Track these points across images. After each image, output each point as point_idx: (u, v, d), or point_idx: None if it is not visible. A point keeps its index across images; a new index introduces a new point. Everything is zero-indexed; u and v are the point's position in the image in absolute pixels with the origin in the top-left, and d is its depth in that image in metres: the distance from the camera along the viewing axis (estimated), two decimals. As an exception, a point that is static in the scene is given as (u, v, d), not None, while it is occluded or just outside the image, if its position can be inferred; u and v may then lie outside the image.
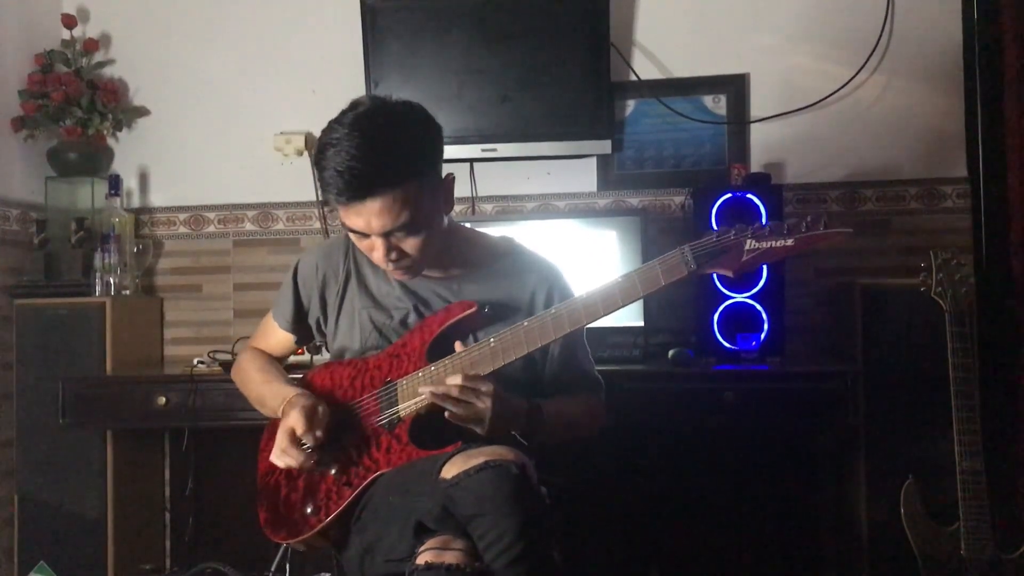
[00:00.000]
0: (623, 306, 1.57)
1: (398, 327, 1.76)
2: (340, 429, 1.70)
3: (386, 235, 1.61)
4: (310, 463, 1.65)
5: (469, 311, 1.69)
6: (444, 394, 1.56)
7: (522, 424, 1.63)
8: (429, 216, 1.63)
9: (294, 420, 1.64)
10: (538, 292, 1.77)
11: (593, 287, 1.59)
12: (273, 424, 1.86)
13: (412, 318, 1.76)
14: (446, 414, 1.57)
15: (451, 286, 1.78)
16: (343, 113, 1.61)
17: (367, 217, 1.58)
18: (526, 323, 1.61)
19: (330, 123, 1.61)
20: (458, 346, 1.64)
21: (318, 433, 1.64)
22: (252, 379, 1.90)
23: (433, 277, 1.78)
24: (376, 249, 1.64)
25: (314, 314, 1.87)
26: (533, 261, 1.82)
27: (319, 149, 1.60)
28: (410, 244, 1.64)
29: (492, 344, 1.61)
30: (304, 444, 1.64)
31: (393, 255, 1.64)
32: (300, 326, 1.90)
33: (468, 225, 1.91)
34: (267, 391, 1.83)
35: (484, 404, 1.55)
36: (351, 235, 1.67)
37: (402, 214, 1.58)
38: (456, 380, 1.56)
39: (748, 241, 1.49)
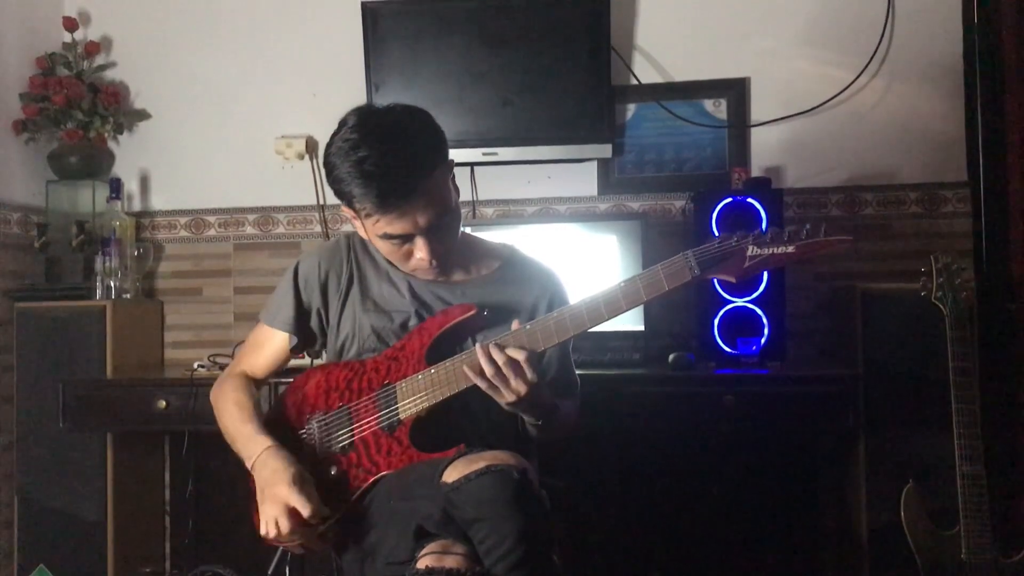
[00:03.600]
0: (626, 310, 1.57)
1: (398, 331, 1.76)
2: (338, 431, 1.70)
3: (430, 230, 1.62)
4: (321, 543, 1.67)
5: (469, 314, 1.69)
6: (484, 368, 1.56)
7: (537, 415, 1.65)
8: (455, 201, 1.68)
9: (296, 501, 1.57)
10: (540, 301, 1.78)
11: (596, 291, 1.59)
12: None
13: (413, 322, 1.76)
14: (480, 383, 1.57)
15: (454, 291, 1.78)
16: (341, 128, 1.62)
17: (412, 216, 1.59)
18: (528, 326, 1.61)
19: (335, 139, 1.61)
20: (515, 324, 1.62)
21: (324, 510, 1.60)
22: (228, 412, 1.82)
23: (437, 281, 1.78)
24: (419, 249, 1.64)
25: (317, 314, 1.85)
26: (535, 270, 1.83)
27: (333, 166, 1.60)
28: (448, 236, 1.67)
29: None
30: (312, 523, 1.60)
31: (438, 250, 1.65)
32: (301, 328, 1.86)
33: (467, 230, 1.91)
34: (240, 432, 1.76)
35: (520, 388, 1.56)
36: (387, 245, 1.66)
37: (440, 203, 1.61)
38: (509, 356, 1.55)
39: (750, 247, 1.51)
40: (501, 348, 1.57)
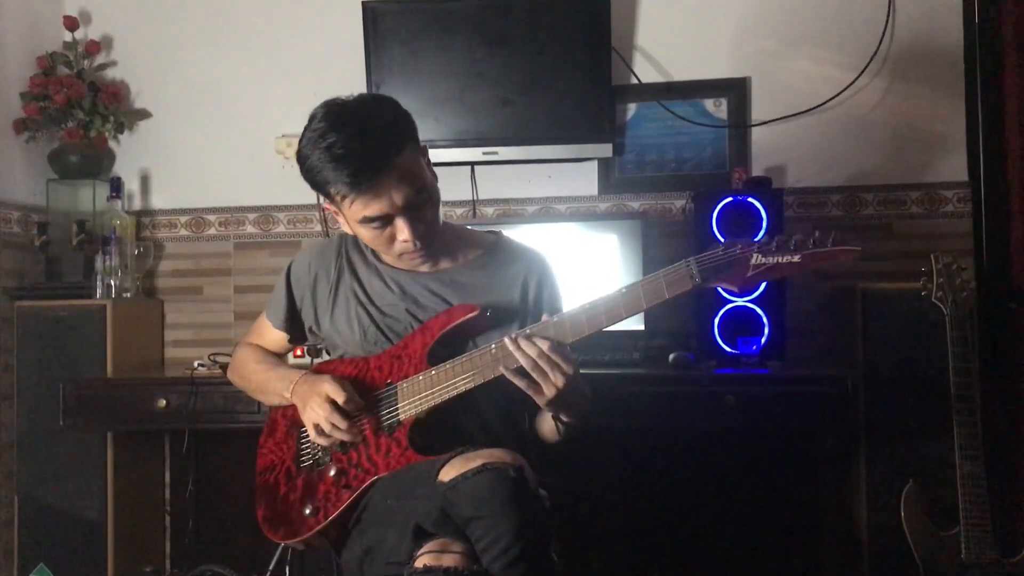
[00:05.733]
0: (626, 318, 1.55)
1: (392, 324, 1.76)
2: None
3: (408, 209, 1.61)
4: (357, 434, 1.67)
5: (471, 314, 1.69)
6: (522, 358, 1.54)
7: (576, 413, 1.64)
8: (432, 182, 1.68)
9: (329, 389, 1.66)
10: (529, 281, 1.78)
11: (597, 297, 1.57)
12: (272, 420, 1.86)
13: (404, 316, 1.76)
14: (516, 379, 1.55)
15: (442, 279, 1.77)
16: (311, 122, 1.62)
17: (388, 193, 1.59)
18: (528, 330, 1.59)
19: (305, 134, 1.63)
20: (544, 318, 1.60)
21: (356, 397, 1.67)
22: (252, 370, 1.91)
23: (423, 272, 1.78)
24: (400, 231, 1.64)
25: (307, 313, 1.87)
26: (521, 251, 1.83)
27: (305, 157, 1.62)
28: (428, 215, 1.66)
29: (493, 350, 1.60)
30: (348, 408, 1.66)
31: (420, 229, 1.64)
32: (293, 326, 1.91)
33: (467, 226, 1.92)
34: (272, 376, 1.85)
35: (556, 383, 1.53)
36: (369, 231, 1.65)
37: (416, 179, 1.62)
38: (543, 346, 1.53)
39: (755, 256, 1.47)
40: (531, 339, 1.54)
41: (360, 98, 1.67)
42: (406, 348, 1.72)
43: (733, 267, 1.48)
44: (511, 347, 1.55)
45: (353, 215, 1.63)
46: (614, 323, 1.56)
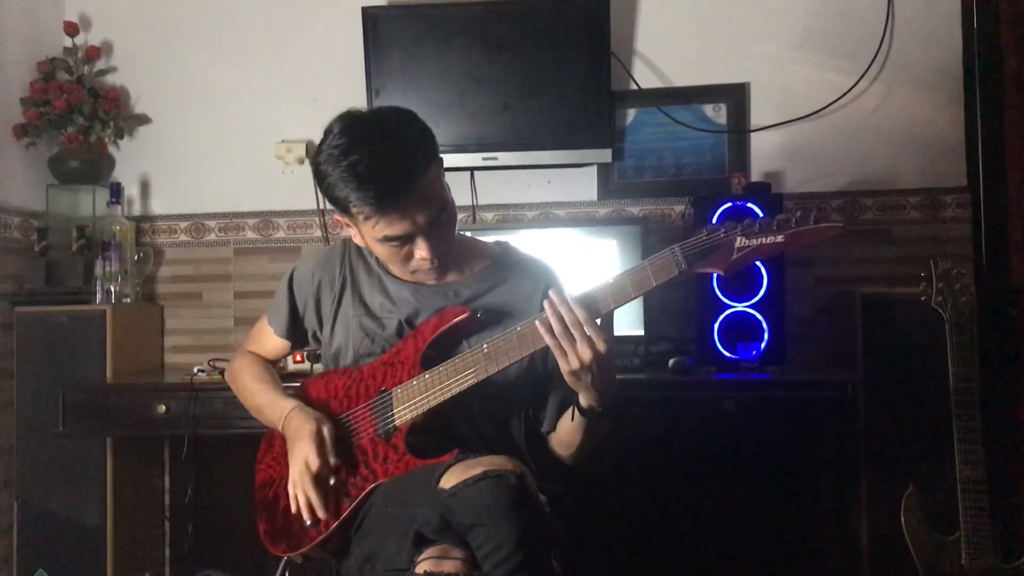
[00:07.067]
0: (615, 308, 1.54)
1: (391, 337, 1.74)
2: (337, 440, 1.69)
3: (430, 228, 1.60)
4: (330, 493, 1.65)
5: (461, 317, 1.67)
6: (555, 321, 1.51)
7: (602, 400, 1.59)
8: (451, 198, 1.66)
9: (307, 452, 1.64)
10: (535, 294, 1.75)
11: (584, 289, 1.56)
12: (269, 435, 1.86)
13: (404, 328, 1.74)
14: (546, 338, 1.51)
15: (447, 291, 1.76)
16: (328, 136, 1.59)
17: (411, 215, 1.57)
18: (519, 328, 1.58)
19: (323, 148, 1.59)
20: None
21: (332, 461, 1.64)
22: (248, 387, 1.90)
23: (430, 285, 1.77)
24: (420, 249, 1.62)
25: (310, 321, 1.86)
26: (529, 264, 1.81)
27: (325, 174, 1.58)
28: (447, 232, 1.65)
29: (485, 349, 1.59)
30: (322, 476, 1.63)
31: (440, 247, 1.63)
32: (296, 333, 1.90)
33: (467, 233, 1.90)
34: (264, 401, 1.84)
35: (584, 354, 1.49)
36: (387, 249, 1.63)
37: (438, 200, 1.60)
38: (580, 314, 1.50)
39: (738, 239, 1.47)
40: (569, 305, 1.51)
41: (380, 112, 1.65)
42: (399, 354, 1.71)
43: (718, 251, 1.48)
44: (547, 307, 1.53)
45: (374, 234, 1.61)
46: (603, 314, 1.53)
